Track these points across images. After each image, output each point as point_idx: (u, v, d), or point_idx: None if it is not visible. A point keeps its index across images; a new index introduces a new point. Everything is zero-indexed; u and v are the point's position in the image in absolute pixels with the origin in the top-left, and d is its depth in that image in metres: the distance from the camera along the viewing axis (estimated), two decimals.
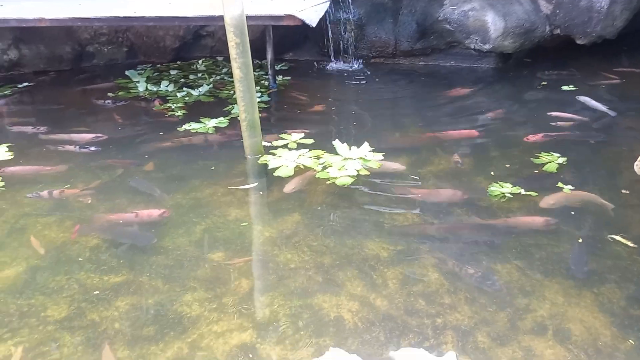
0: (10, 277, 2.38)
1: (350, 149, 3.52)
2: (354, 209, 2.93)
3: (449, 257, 2.49)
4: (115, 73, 5.58)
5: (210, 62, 6.07)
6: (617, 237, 2.59)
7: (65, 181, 3.24)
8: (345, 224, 2.78)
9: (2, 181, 3.23)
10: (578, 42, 5.44)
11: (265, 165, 3.43)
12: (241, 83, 3.29)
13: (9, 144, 3.77)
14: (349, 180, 3.17)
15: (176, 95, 4.85)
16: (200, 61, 6.07)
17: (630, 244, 2.54)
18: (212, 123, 4.11)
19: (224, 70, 5.70)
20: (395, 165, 3.39)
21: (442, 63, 5.92)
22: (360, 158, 3.43)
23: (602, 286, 2.27)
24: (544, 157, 3.45)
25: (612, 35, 5.39)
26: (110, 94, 4.91)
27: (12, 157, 3.61)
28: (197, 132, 3.99)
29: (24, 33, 5.54)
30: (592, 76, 5.21)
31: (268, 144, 3.68)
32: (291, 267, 2.44)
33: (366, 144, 3.55)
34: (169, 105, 4.58)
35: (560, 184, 3.08)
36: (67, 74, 5.72)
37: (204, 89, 4.99)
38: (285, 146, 3.68)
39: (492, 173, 3.28)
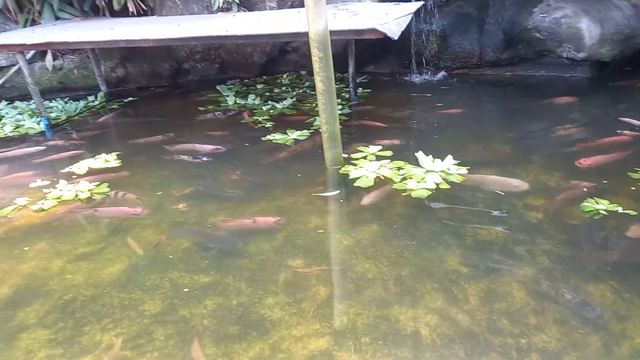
0: (114, 273, 2.63)
1: (433, 161, 3.48)
2: (434, 222, 2.89)
3: (536, 274, 2.37)
4: (207, 88, 5.98)
5: (294, 76, 6.30)
6: None
7: (164, 187, 3.53)
8: (425, 236, 2.75)
9: (108, 187, 3.57)
10: None
11: (345, 175, 3.50)
12: (323, 96, 3.39)
13: (118, 153, 4.18)
14: (426, 193, 3.13)
15: (262, 108, 5.09)
16: (284, 75, 6.32)
17: None
18: (294, 135, 4.27)
19: (307, 83, 5.89)
20: (517, 182, 3.20)
21: (531, 73, 5.66)
22: (443, 171, 3.38)
23: None
24: None
25: None
26: (201, 108, 5.27)
27: (120, 164, 4.00)
28: (280, 143, 4.16)
29: (130, 53, 6.12)
30: None
31: (346, 156, 3.74)
32: (369, 277, 2.46)
33: (450, 157, 3.49)
34: (255, 117, 4.82)
35: None
36: (166, 89, 6.22)
37: (288, 102, 5.18)
38: (364, 158, 3.72)
39: (585, 189, 3.08)
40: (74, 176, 3.81)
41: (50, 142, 4.62)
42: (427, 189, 3.19)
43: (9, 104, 5.74)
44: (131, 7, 5.75)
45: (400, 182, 3.32)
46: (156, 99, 5.90)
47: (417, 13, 5.13)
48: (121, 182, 3.65)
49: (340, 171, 3.55)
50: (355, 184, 3.34)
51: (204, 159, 3.96)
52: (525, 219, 2.85)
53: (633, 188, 3.07)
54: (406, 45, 5.72)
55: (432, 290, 2.33)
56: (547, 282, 2.32)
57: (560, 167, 3.43)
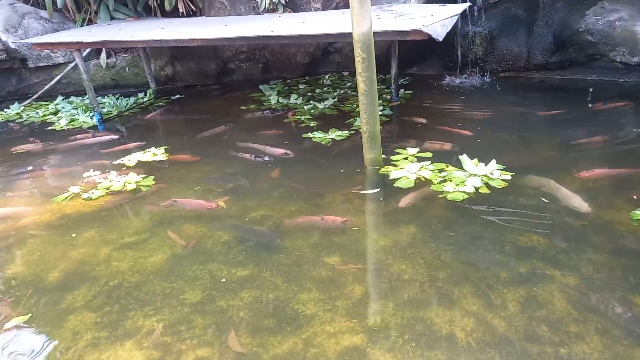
0: (157, 262, 2.74)
1: (477, 165, 3.42)
2: (473, 226, 2.84)
3: (579, 283, 2.30)
4: (251, 87, 6.10)
5: (336, 77, 6.33)
6: None
7: (205, 181, 3.64)
8: (463, 240, 2.72)
9: (153, 180, 3.71)
10: None
11: (384, 176, 3.49)
12: (365, 96, 3.40)
13: (166, 147, 4.35)
14: (462, 197, 3.09)
15: (303, 108, 5.15)
16: (326, 76, 6.36)
17: None
18: (334, 134, 4.29)
19: (348, 84, 5.90)
20: (577, 201, 2.92)
21: (581, 77, 5.46)
22: (485, 176, 3.32)
23: None
24: None
25: None
26: (243, 107, 5.38)
27: (167, 158, 4.15)
28: (319, 142, 4.20)
29: (179, 52, 6.33)
30: None
31: (385, 157, 3.73)
32: (405, 278, 2.45)
33: (494, 161, 3.43)
34: (298, 117, 4.88)
35: None
36: (211, 87, 6.40)
37: (329, 102, 5.22)
38: (405, 159, 3.70)
39: (635, 197, 2.95)
40: (124, 168, 3.99)
41: (102, 136, 4.85)
42: (465, 192, 3.14)
43: (64, 99, 6.06)
44: (181, 8, 5.95)
45: (438, 184, 3.28)
46: (202, 97, 6.08)
47: (463, 14, 5.06)
48: (166, 176, 3.79)
49: (380, 171, 3.55)
50: (395, 185, 3.33)
51: (266, 158, 3.98)
52: (569, 225, 2.76)
53: None
54: (451, 47, 5.64)
55: (469, 294, 2.30)
56: (590, 291, 2.24)
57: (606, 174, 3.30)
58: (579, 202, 2.92)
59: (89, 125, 5.19)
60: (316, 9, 5.79)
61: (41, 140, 4.80)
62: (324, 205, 3.19)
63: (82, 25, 6.13)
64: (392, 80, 5.06)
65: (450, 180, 3.30)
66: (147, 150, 4.30)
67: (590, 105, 4.63)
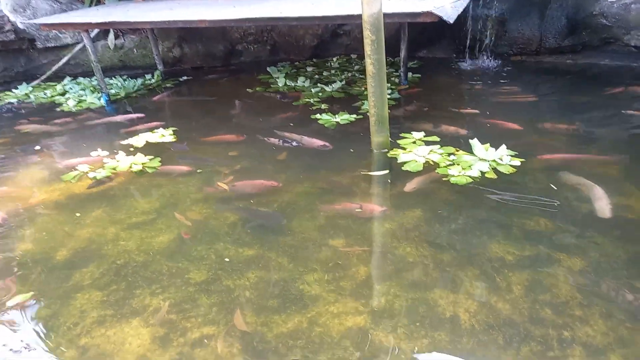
0: (164, 242, 2.76)
1: (487, 149, 3.39)
2: (479, 210, 2.83)
3: (585, 267, 2.29)
4: (259, 69, 6.06)
5: (344, 59, 6.28)
6: None
7: (211, 163, 3.65)
8: (469, 224, 2.71)
9: (160, 162, 3.72)
10: None
11: (392, 159, 3.47)
12: (373, 79, 3.37)
13: (174, 128, 4.36)
14: (465, 181, 3.07)
15: (311, 91, 5.12)
16: (334, 59, 6.31)
17: None
18: (341, 117, 4.27)
19: (356, 67, 5.85)
20: (600, 205, 2.75)
21: (594, 61, 5.37)
22: (493, 161, 3.29)
23: None
24: None
25: None
26: (249, 90, 5.36)
27: (175, 139, 4.17)
28: (326, 125, 4.18)
29: (187, 34, 6.30)
30: None
31: (392, 140, 3.71)
32: (409, 260, 2.46)
33: (504, 146, 3.39)
34: (307, 100, 4.85)
35: None
36: (218, 70, 6.37)
37: (337, 85, 5.18)
38: (413, 142, 3.68)
39: None
40: (132, 149, 4.00)
41: (110, 117, 4.86)
42: (470, 176, 3.12)
43: (72, 79, 6.07)
44: None
45: (444, 167, 3.26)
46: (209, 79, 6.06)
47: None
48: (174, 157, 3.80)
49: (388, 155, 3.53)
50: (403, 168, 3.32)
51: (294, 144, 3.91)
52: (577, 211, 2.74)
53: None
54: (462, 30, 5.56)
55: (474, 277, 2.30)
56: (596, 275, 2.23)
57: (620, 160, 3.26)
58: (600, 206, 2.77)
59: (97, 106, 5.20)
60: None
61: (49, 121, 4.83)
62: (329, 188, 3.18)
63: (90, 6, 6.11)
64: (401, 64, 5.00)
65: (458, 164, 3.27)
66: (155, 131, 4.31)
67: (602, 91, 4.54)
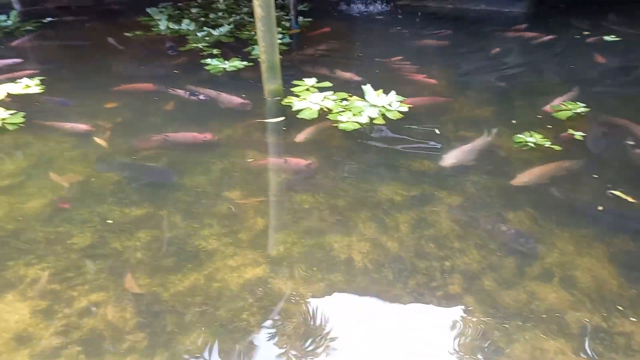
0: (38, 207, 2.49)
1: (379, 95, 3.45)
2: (370, 154, 2.93)
3: (463, 203, 2.50)
4: (137, 10, 5.52)
5: (231, 1, 5.94)
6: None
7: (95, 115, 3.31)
8: (361, 168, 2.80)
9: (23, 117, 3.30)
10: None
11: (285, 107, 3.42)
12: (262, 22, 3.23)
13: (42, 77, 3.85)
14: (352, 127, 3.14)
15: (196, 35, 4.80)
16: (221, 0, 5.94)
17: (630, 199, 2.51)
18: (230, 64, 4.09)
19: (245, 10, 5.59)
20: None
21: (473, 7, 5.68)
22: (383, 107, 3.37)
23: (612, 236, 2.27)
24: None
25: None
26: (128, 34, 4.89)
27: (43, 90, 3.71)
28: (214, 72, 3.98)
29: None
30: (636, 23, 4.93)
31: (285, 88, 3.65)
32: (305, 207, 2.49)
33: (393, 92, 3.48)
34: (194, 44, 4.54)
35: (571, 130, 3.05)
36: (89, 10, 5.69)
37: (225, 29, 4.91)
38: (307, 90, 3.64)
39: (514, 122, 3.22)
40: None
41: None
42: (358, 122, 3.19)
43: None
44: None
45: (336, 113, 3.30)
46: (78, 20, 5.40)
47: None
48: (41, 111, 3.39)
49: (282, 102, 3.47)
50: (298, 116, 3.29)
51: (201, 97, 3.62)
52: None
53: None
54: None
55: (366, 220, 2.40)
56: (472, 210, 2.45)
57: (493, 100, 3.54)
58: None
59: None
60: None
61: None
62: (222, 139, 3.07)
63: None
64: (291, 6, 4.86)
65: (350, 110, 3.32)
66: (19, 81, 3.78)
67: (480, 34, 4.84)
